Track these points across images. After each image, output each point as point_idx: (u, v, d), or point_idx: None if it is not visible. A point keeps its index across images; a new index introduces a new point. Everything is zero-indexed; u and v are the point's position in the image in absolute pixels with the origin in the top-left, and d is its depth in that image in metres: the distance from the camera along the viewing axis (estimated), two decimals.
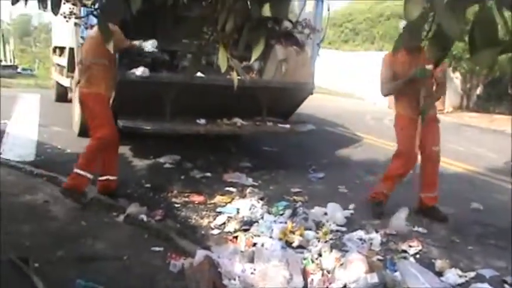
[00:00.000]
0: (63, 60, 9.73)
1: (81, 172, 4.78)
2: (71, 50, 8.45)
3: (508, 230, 4.68)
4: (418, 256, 4.08)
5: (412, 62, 4.75)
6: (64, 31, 9.10)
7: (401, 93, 4.99)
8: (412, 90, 4.84)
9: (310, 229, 4.35)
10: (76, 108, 8.10)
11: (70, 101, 9.72)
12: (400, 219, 4.59)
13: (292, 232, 4.19)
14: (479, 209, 5.44)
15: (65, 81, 9.84)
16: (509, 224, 4.78)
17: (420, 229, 4.69)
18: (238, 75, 2.49)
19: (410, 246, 4.20)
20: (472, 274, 3.77)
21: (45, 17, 49.49)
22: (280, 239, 4.03)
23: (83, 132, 7.68)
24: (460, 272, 3.76)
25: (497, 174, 7.04)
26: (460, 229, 4.77)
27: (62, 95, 11.82)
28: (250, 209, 4.80)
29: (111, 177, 4.98)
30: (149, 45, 5.96)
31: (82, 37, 7.14)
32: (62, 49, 10.39)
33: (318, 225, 4.51)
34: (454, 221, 4.96)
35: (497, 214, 5.25)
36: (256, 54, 2.32)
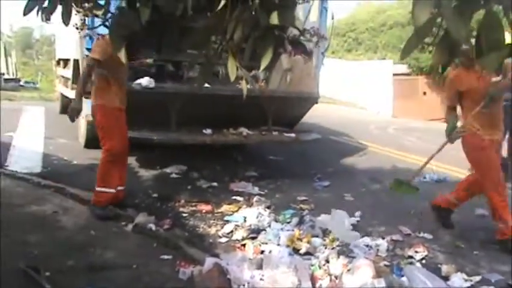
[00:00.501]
0: (68, 72, 9.79)
1: (100, 189, 4.80)
2: (76, 61, 8.51)
3: None
4: (424, 261, 4.11)
5: (475, 77, 4.43)
6: (69, 43, 9.18)
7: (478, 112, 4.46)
8: (492, 108, 4.45)
9: (317, 236, 4.38)
10: (82, 120, 8.16)
11: None
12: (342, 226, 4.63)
13: (300, 239, 4.22)
14: (483, 215, 5.45)
15: (70, 93, 9.89)
16: None
17: (426, 235, 4.72)
18: (248, 84, 2.54)
19: (416, 252, 4.23)
20: (478, 278, 3.79)
21: (47, 29, 49.65)
22: (287, 246, 4.05)
23: (89, 144, 7.75)
24: (465, 277, 3.78)
25: None
26: (465, 235, 4.79)
27: (67, 107, 11.83)
28: (257, 217, 4.83)
29: (119, 188, 4.95)
30: (146, 82, 6.06)
31: (87, 48, 7.23)
32: (66, 61, 10.46)
33: (325, 233, 4.53)
34: (459, 226, 4.98)
35: None
36: (265, 62, 2.36)
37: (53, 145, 8.33)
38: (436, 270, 3.86)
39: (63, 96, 11.56)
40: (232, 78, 2.33)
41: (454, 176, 7.28)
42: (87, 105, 7.69)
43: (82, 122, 8.14)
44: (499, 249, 4.43)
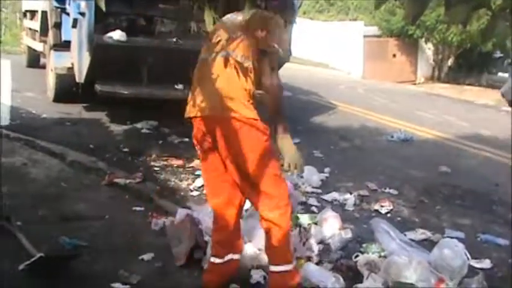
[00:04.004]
0: (36, 24, 9.51)
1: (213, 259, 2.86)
2: (44, 13, 8.28)
3: (473, 191, 4.94)
4: (389, 215, 4.27)
5: None
6: None
7: None
8: None
9: None
10: (50, 74, 8.00)
11: (43, 67, 9.55)
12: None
13: None
14: (447, 172, 5.66)
15: (38, 46, 9.64)
16: (474, 186, 5.02)
17: (391, 190, 4.88)
18: None
19: (382, 206, 4.39)
20: (439, 232, 3.96)
21: None
22: None
23: (58, 98, 7.63)
24: (427, 230, 3.95)
25: (464, 140, 7.30)
26: (428, 191, 4.98)
27: (34, 61, 11.58)
28: None
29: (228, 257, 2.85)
30: (117, 35, 5.95)
31: (56, 0, 7.03)
32: (33, 13, 10.14)
33: (295, 187, 4.64)
34: (424, 183, 5.18)
35: (464, 177, 5.49)
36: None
37: (21, 98, 8.15)
38: (400, 223, 4.04)
39: (31, 49, 11.24)
40: (209, 29, 2.34)
41: (419, 135, 7.51)
42: (54, 57, 7.56)
43: (51, 75, 7.98)
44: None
